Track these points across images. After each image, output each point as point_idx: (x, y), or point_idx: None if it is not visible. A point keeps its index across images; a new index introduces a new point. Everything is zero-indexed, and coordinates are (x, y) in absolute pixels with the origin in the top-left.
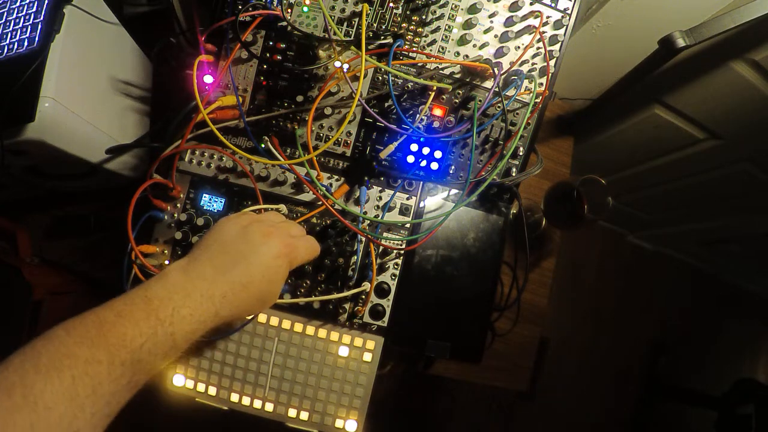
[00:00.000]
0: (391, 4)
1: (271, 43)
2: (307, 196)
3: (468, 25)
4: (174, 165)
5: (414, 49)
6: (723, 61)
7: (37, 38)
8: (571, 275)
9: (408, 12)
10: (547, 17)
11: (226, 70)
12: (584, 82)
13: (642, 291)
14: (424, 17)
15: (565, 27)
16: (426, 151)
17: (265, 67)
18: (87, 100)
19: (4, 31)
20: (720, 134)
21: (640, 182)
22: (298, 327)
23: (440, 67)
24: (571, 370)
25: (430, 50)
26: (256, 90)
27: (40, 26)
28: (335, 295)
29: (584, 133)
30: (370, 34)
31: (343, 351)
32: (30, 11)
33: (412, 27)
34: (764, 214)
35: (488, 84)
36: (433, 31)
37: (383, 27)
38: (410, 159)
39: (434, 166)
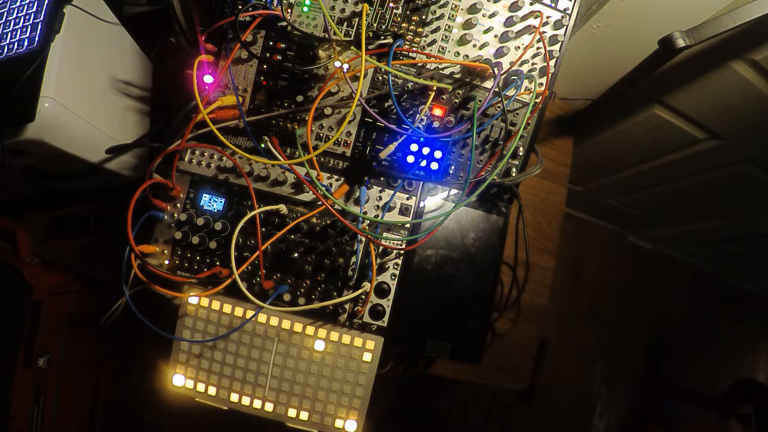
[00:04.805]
0: (391, 4)
1: (271, 43)
2: (307, 196)
3: (468, 25)
4: (174, 165)
5: (414, 49)
6: (723, 61)
7: (37, 38)
8: (571, 275)
9: (408, 12)
10: (547, 17)
11: (226, 70)
12: (584, 82)
13: (642, 291)
14: (424, 17)
15: (565, 27)
16: (426, 151)
17: (265, 67)
18: (87, 100)
19: (4, 31)
20: (720, 134)
21: (640, 182)
22: (298, 327)
23: (440, 67)
24: (571, 370)
25: (430, 50)
26: (256, 90)
27: (40, 26)
28: (334, 300)
29: (584, 133)
30: (370, 34)
31: (343, 351)
32: (30, 11)
33: (412, 27)
34: (764, 214)
35: (488, 84)
36: (433, 31)
37: (383, 27)
38: (410, 159)
39: (434, 166)
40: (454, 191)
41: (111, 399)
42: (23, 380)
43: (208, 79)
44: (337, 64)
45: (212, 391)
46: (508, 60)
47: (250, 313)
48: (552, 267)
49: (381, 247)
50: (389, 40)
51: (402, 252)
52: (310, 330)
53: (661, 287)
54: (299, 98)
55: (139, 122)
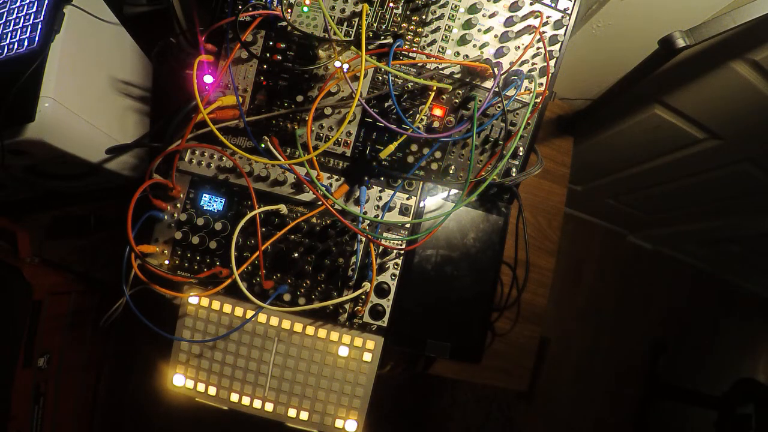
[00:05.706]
0: (391, 4)
1: (271, 43)
2: (307, 196)
3: (468, 25)
4: (174, 165)
5: (414, 49)
6: (723, 61)
7: (37, 38)
8: (572, 275)
9: (408, 12)
10: (547, 17)
11: (226, 70)
12: (584, 82)
13: (642, 291)
14: (424, 17)
15: (565, 27)
16: (426, 150)
17: (265, 67)
18: (87, 100)
19: (4, 31)
20: (720, 134)
21: (640, 182)
22: (298, 327)
23: (440, 67)
24: (571, 371)
25: (430, 50)
26: (256, 90)
27: (40, 26)
28: (334, 300)
29: (584, 133)
30: (370, 34)
31: (343, 351)
32: (30, 11)
33: (412, 27)
34: (764, 214)
35: (488, 84)
36: (433, 31)
37: (383, 27)
38: (410, 159)
39: (434, 166)
40: (454, 191)
41: (111, 399)
42: (23, 380)
43: (208, 79)
44: (337, 64)
45: (212, 391)
46: (508, 60)
47: (250, 313)
48: (552, 267)
49: (381, 247)
50: (389, 40)
51: (402, 252)
52: (310, 330)
53: (661, 287)
54: (299, 98)
55: (139, 122)
